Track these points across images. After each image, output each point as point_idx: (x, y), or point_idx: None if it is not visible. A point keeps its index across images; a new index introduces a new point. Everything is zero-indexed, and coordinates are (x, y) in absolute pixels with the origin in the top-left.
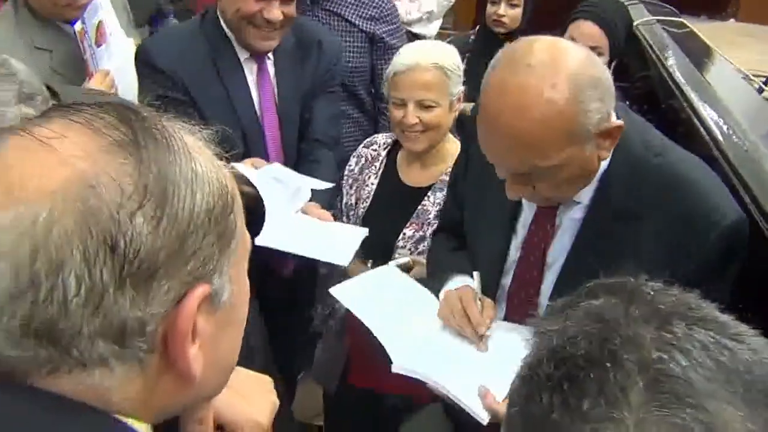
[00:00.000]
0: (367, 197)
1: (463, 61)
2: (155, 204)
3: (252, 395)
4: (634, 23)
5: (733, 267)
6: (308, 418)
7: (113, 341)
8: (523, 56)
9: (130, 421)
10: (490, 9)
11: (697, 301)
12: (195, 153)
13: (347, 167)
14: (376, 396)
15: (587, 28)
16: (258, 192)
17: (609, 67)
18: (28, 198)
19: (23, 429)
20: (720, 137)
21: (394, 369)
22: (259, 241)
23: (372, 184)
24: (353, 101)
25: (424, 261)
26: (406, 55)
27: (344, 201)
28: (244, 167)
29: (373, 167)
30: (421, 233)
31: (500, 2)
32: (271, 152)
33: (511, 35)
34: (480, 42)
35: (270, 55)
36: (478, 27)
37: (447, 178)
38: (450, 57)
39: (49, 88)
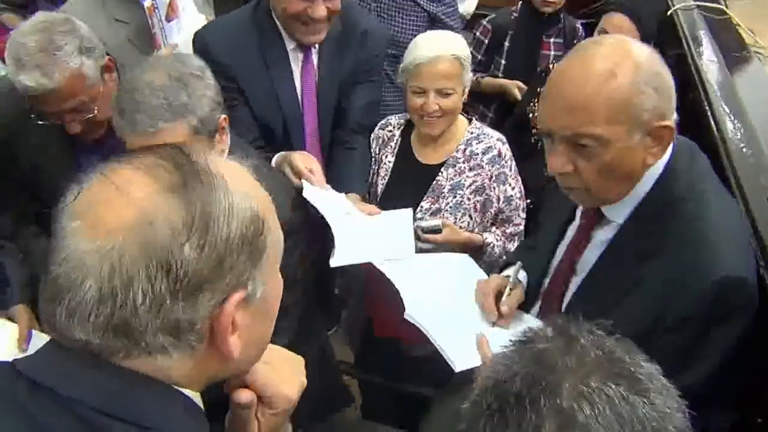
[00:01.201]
0: (385, 175)
1: (505, 38)
2: (199, 235)
3: (285, 373)
4: (674, 7)
5: (723, 328)
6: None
7: (171, 335)
8: (595, 42)
9: (187, 391)
10: None
11: (621, 354)
12: (231, 186)
13: None
14: (397, 345)
15: (618, 20)
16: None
17: None
18: (108, 232)
19: (117, 395)
20: (732, 149)
21: (405, 316)
22: (334, 263)
23: (389, 162)
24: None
25: (450, 223)
26: (427, 47)
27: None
28: (315, 190)
29: (389, 147)
30: (436, 206)
31: None
32: (308, 138)
33: (553, 12)
34: (523, 19)
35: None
36: (520, 4)
37: (458, 155)
38: (464, 48)
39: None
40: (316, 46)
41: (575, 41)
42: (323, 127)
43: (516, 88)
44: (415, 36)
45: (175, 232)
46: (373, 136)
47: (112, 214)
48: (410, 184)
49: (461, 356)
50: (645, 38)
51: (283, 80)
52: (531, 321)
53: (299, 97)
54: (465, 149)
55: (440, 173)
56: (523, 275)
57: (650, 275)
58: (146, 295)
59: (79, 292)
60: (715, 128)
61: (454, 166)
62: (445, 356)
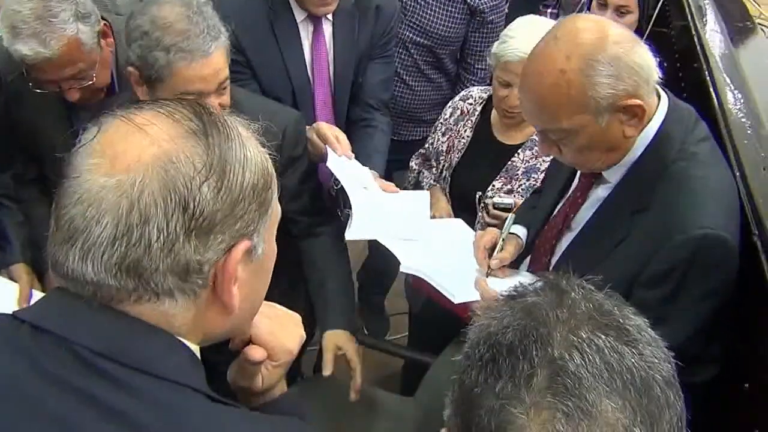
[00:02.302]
0: (462, 148)
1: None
2: (217, 178)
3: (286, 327)
4: None
5: (699, 282)
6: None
7: (179, 277)
8: (556, 29)
9: (188, 342)
10: None
11: (610, 307)
12: (246, 141)
13: (442, 116)
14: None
15: None
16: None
17: (647, 23)
18: (128, 168)
19: (122, 340)
20: (731, 119)
21: (402, 269)
22: (349, 236)
23: (467, 136)
24: (436, 67)
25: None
26: (520, 44)
27: (434, 146)
28: (338, 160)
29: (469, 121)
30: (509, 186)
31: None
32: (320, 113)
33: None
34: None
35: (329, 16)
36: None
37: (537, 138)
38: None
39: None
40: (330, 18)
41: (574, 11)
42: (339, 101)
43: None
44: (450, 29)
45: (194, 172)
46: (451, 105)
47: (133, 151)
48: (486, 160)
49: (460, 290)
50: (644, 5)
51: (292, 51)
52: (523, 277)
53: (309, 68)
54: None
55: (516, 154)
56: (522, 230)
57: (637, 230)
58: (161, 232)
59: (96, 230)
60: (715, 98)
61: (532, 149)
62: (443, 291)
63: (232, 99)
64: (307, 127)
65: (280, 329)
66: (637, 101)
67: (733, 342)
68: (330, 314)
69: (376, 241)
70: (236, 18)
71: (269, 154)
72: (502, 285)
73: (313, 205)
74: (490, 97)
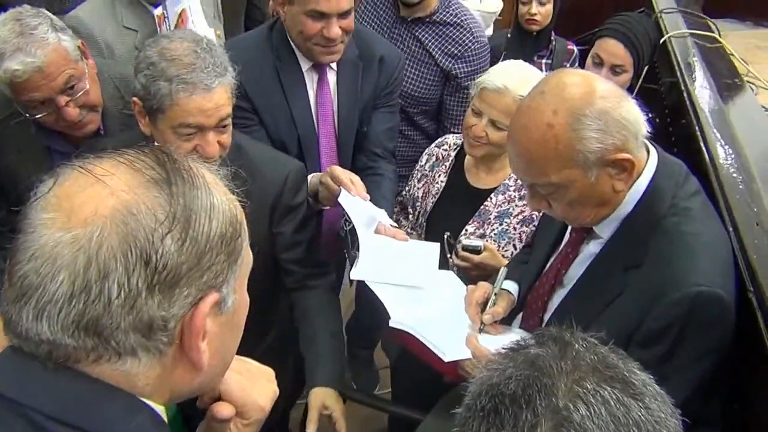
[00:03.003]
0: (436, 193)
1: (499, 59)
2: (181, 229)
3: (257, 382)
4: (666, 35)
5: (695, 341)
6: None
7: (142, 334)
8: (543, 84)
9: (151, 403)
10: (522, 9)
11: (615, 360)
12: (213, 188)
13: (418, 163)
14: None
15: (612, 46)
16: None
17: (636, 79)
18: (85, 221)
19: (78, 403)
20: (723, 174)
21: (391, 323)
22: (354, 276)
23: (441, 182)
24: (412, 124)
25: (493, 248)
26: (500, 76)
27: (411, 192)
28: (351, 199)
29: (443, 166)
30: (481, 231)
31: (531, 1)
32: (325, 160)
33: (542, 32)
34: (514, 40)
35: (333, 65)
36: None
37: (509, 182)
38: None
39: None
40: (334, 67)
41: (567, 64)
42: (344, 150)
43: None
44: (423, 90)
45: (157, 224)
46: (427, 152)
47: (91, 203)
48: (459, 205)
49: (451, 348)
50: (639, 64)
51: (297, 99)
52: (516, 334)
53: (314, 116)
54: (518, 178)
55: (489, 199)
56: (513, 286)
57: (631, 286)
58: (122, 288)
59: (51, 287)
60: (706, 153)
61: (504, 193)
62: (434, 349)
63: (235, 144)
64: (320, 173)
65: (251, 385)
66: (626, 155)
67: (730, 399)
68: (319, 371)
69: (364, 294)
70: (243, 65)
71: (240, 201)
72: (494, 342)
73: (308, 256)
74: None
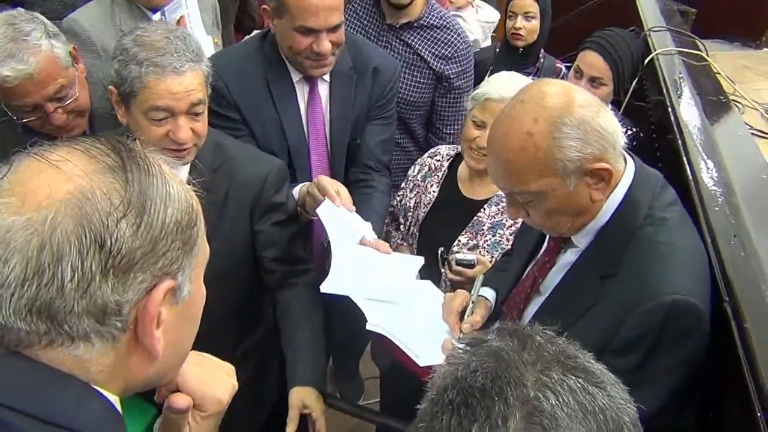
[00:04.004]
0: (428, 203)
1: (486, 73)
2: (136, 214)
3: (216, 375)
4: (654, 53)
5: (670, 351)
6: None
7: (95, 319)
8: (522, 93)
9: (105, 392)
10: (508, 23)
11: (575, 351)
12: (169, 177)
13: (410, 172)
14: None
15: (592, 58)
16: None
17: (623, 95)
18: (39, 205)
19: (28, 389)
20: (703, 189)
21: (368, 326)
22: (324, 288)
23: (433, 192)
24: (406, 133)
25: (486, 261)
26: (503, 86)
27: (402, 202)
28: (331, 207)
29: (436, 177)
30: (474, 242)
31: (516, 16)
32: (315, 172)
33: (530, 48)
34: (502, 55)
35: (326, 76)
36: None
37: (503, 194)
38: None
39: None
40: (326, 78)
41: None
42: (335, 162)
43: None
44: (416, 94)
45: (112, 208)
46: (419, 162)
47: (46, 188)
48: (451, 216)
49: (426, 352)
50: (620, 78)
51: (288, 111)
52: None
53: (305, 127)
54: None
55: (482, 210)
56: (491, 293)
57: (607, 296)
58: (75, 271)
59: (3, 272)
60: (687, 166)
61: (498, 204)
62: (408, 352)
63: (216, 142)
64: (309, 182)
65: (209, 377)
66: (605, 165)
67: (703, 410)
68: (298, 369)
69: (348, 302)
70: (233, 74)
71: (195, 192)
72: None
73: (288, 254)
74: (457, 155)
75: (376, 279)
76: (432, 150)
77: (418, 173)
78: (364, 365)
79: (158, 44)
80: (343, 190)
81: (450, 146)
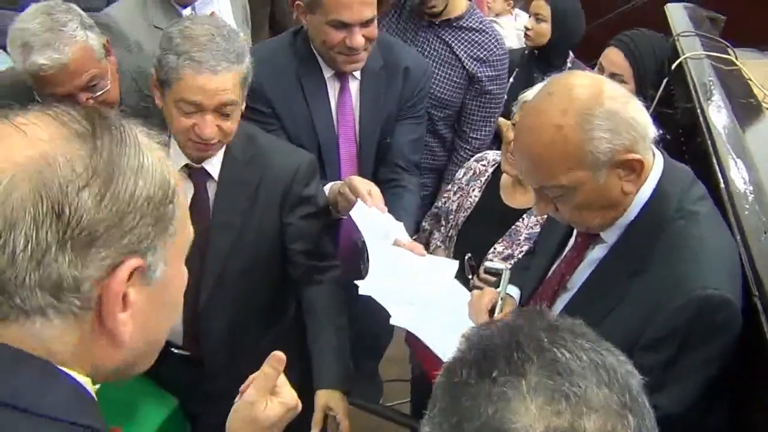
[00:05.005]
0: (469, 207)
1: (512, 75)
2: (100, 184)
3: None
4: (683, 56)
5: (701, 348)
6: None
7: (50, 293)
8: (550, 85)
9: (73, 373)
10: (525, 23)
11: (586, 329)
12: (146, 150)
13: (457, 175)
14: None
15: (613, 55)
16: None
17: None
18: None
19: None
20: (733, 188)
21: (391, 322)
22: (362, 291)
23: (475, 196)
24: (432, 132)
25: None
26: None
27: (446, 204)
28: (363, 208)
29: (479, 181)
30: (509, 251)
31: (530, 17)
32: (344, 169)
33: (547, 52)
34: (528, 58)
35: (357, 74)
36: None
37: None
38: None
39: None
40: (357, 76)
41: None
42: (364, 160)
43: (505, 126)
44: (447, 92)
45: (74, 175)
46: (467, 165)
47: (5, 151)
48: (490, 223)
49: (451, 349)
50: (641, 77)
51: (319, 106)
52: None
53: (335, 124)
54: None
55: (521, 219)
56: (516, 291)
57: (636, 291)
58: (29, 241)
59: None
60: (717, 168)
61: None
62: (434, 348)
63: (247, 134)
64: (340, 181)
65: None
66: (636, 156)
67: (734, 407)
68: (323, 372)
69: (366, 301)
70: (265, 69)
71: (171, 171)
72: None
73: (316, 247)
74: None
75: (414, 282)
76: (479, 154)
77: (463, 176)
78: (382, 368)
79: (201, 39)
80: (375, 190)
81: (497, 152)
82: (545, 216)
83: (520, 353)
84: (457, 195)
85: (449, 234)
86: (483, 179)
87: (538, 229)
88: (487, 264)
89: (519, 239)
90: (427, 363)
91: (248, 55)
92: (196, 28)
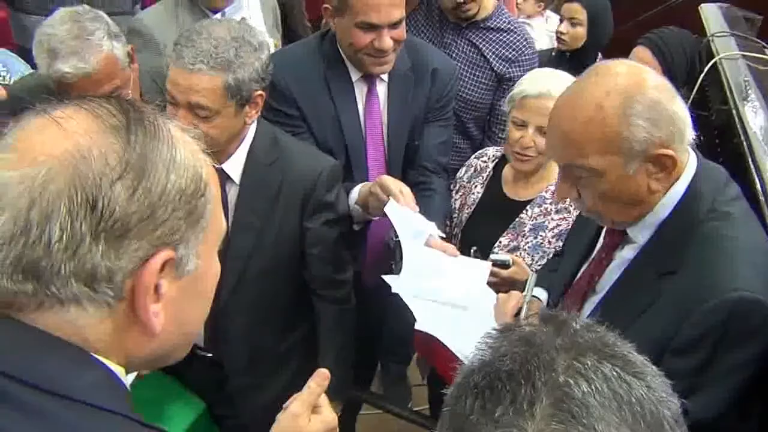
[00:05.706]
0: (472, 204)
1: None
2: (134, 177)
3: None
4: (717, 57)
5: (734, 352)
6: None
7: (84, 283)
8: (596, 68)
9: (107, 361)
10: (558, 26)
11: (614, 340)
12: (179, 144)
13: (458, 174)
14: None
15: (641, 53)
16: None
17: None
18: (34, 161)
19: (20, 354)
20: None
21: (417, 326)
22: (395, 289)
23: (477, 192)
24: (461, 133)
25: (521, 262)
26: (539, 81)
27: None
28: (397, 206)
29: (481, 177)
30: (515, 243)
31: (564, 20)
32: (373, 172)
33: (580, 54)
34: (554, 59)
35: (385, 76)
36: None
37: (546, 195)
38: None
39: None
40: (385, 78)
41: None
42: (392, 162)
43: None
44: (476, 94)
45: (107, 168)
46: (467, 163)
47: (43, 144)
48: (494, 217)
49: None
50: (670, 75)
51: (346, 109)
52: None
53: (362, 126)
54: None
55: (525, 211)
56: (543, 293)
57: (668, 294)
58: (64, 231)
59: None
60: (752, 165)
61: (540, 206)
62: (459, 355)
63: (271, 136)
64: (370, 182)
65: None
66: (670, 152)
67: (763, 413)
68: None
69: (396, 303)
70: (293, 72)
71: (213, 165)
72: None
73: (333, 254)
74: (503, 156)
75: (447, 282)
76: (479, 151)
77: (464, 174)
78: (412, 370)
79: (194, 37)
80: (407, 190)
81: (497, 147)
82: (547, 208)
83: (528, 388)
84: (460, 193)
85: (453, 232)
86: (485, 175)
87: (542, 219)
88: (493, 256)
89: (524, 230)
90: (438, 360)
91: (251, 70)
92: (207, 26)
